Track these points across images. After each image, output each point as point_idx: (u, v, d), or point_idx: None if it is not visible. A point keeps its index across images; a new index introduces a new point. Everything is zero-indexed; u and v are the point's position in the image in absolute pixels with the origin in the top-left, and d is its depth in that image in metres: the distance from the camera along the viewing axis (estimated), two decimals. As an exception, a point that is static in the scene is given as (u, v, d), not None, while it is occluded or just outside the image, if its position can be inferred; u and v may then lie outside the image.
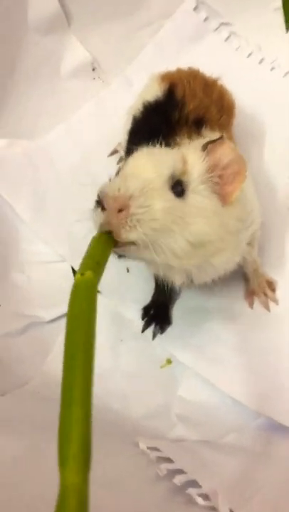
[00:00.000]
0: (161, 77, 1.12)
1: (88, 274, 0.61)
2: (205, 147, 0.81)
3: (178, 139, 0.96)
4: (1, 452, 0.80)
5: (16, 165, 1.34)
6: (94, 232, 1.18)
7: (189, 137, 0.97)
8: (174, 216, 0.74)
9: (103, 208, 0.72)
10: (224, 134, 0.98)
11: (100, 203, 0.72)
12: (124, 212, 0.70)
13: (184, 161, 0.79)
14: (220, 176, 0.80)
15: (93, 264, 0.64)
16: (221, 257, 0.85)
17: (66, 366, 0.51)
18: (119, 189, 0.71)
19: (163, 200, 0.73)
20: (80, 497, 0.42)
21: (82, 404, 0.47)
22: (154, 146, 0.93)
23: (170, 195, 0.75)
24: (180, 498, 0.77)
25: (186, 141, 0.96)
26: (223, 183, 0.80)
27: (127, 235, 0.71)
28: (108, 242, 0.72)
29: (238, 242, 0.89)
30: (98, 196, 0.73)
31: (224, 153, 0.80)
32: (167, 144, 0.95)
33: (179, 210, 0.75)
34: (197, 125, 0.99)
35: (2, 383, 1.07)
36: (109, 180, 0.77)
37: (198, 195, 0.78)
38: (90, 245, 0.70)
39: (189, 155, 0.81)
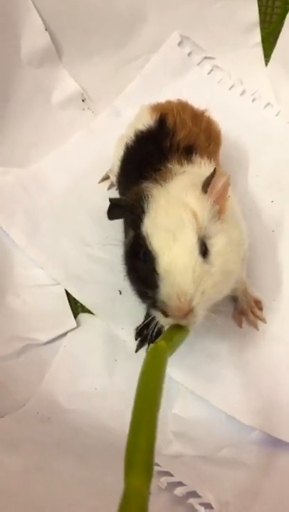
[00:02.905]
0: (152, 107, 1.18)
1: (161, 343, 0.74)
2: (205, 188, 0.85)
3: (169, 166, 1.01)
4: (5, 470, 0.82)
5: (10, 192, 1.39)
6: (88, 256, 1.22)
7: (179, 163, 1.02)
8: (217, 279, 0.81)
9: (168, 315, 0.80)
10: (212, 162, 1.05)
11: (162, 311, 0.80)
12: (190, 314, 0.79)
13: (195, 215, 0.82)
14: (216, 201, 0.86)
15: (168, 338, 0.79)
16: (236, 275, 0.92)
17: (137, 407, 0.61)
18: (178, 298, 0.78)
19: (208, 278, 0.80)
20: (142, 500, 0.47)
21: (147, 437, 0.57)
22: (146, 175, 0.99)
23: (206, 266, 0.81)
24: (182, 508, 0.80)
25: (176, 166, 1.01)
26: (217, 201, 0.86)
27: (199, 321, 0.81)
28: (184, 330, 0.83)
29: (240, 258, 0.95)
30: (159, 305, 0.80)
31: (220, 181, 0.86)
32: (158, 170, 1.01)
33: (217, 270, 0.82)
34: (187, 152, 1.04)
35: (1, 405, 1.08)
36: (124, 232, 0.85)
37: (213, 237, 0.84)
38: (168, 329, 0.83)
39: (193, 204, 0.84)
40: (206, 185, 0.85)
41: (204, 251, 0.81)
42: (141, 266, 0.84)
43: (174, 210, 0.83)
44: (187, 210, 0.82)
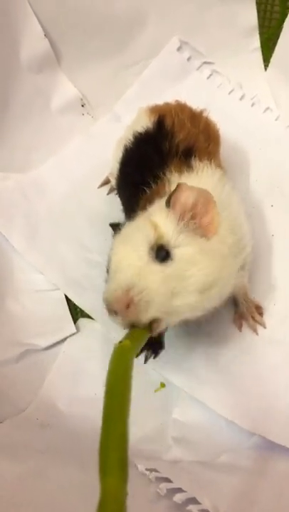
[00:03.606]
0: (150, 109, 1.18)
1: (126, 342, 0.72)
2: (168, 203, 0.85)
3: (167, 174, 1.01)
4: (3, 476, 0.82)
5: (9, 197, 1.39)
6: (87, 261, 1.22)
7: (179, 170, 1.01)
8: (171, 281, 0.79)
9: (115, 312, 0.79)
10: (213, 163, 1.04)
11: (111, 310, 0.80)
12: (132, 306, 0.77)
13: (155, 227, 0.83)
14: (193, 216, 0.84)
15: (132, 337, 0.77)
16: (229, 285, 0.91)
17: (107, 411, 0.60)
18: (115, 290, 0.78)
19: (154, 276, 0.79)
20: (119, 501, 0.46)
21: (119, 438, 0.56)
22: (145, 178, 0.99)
23: (158, 267, 0.80)
24: (181, 515, 0.79)
25: (174, 175, 1.00)
26: (199, 218, 0.85)
27: (145, 318, 0.79)
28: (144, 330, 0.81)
29: (236, 266, 0.94)
30: (106, 306, 0.81)
31: (187, 195, 0.84)
32: (158, 177, 1.01)
33: (172, 273, 0.80)
34: (186, 156, 1.04)
35: (0, 411, 1.08)
36: (105, 282, 0.84)
37: (182, 247, 0.82)
38: (130, 330, 0.80)
39: (157, 217, 0.85)
40: (168, 200, 0.85)
41: (164, 257, 0.81)
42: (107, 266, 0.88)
43: (138, 224, 0.87)
44: (146, 223, 0.84)
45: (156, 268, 0.80)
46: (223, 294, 0.91)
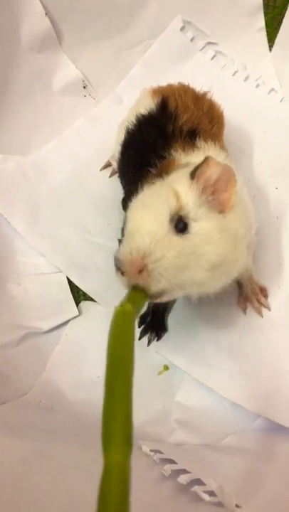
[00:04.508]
0: (153, 90, 1.16)
1: (127, 306, 0.68)
2: (193, 175, 0.84)
3: (172, 152, 0.99)
4: (8, 454, 0.81)
5: (10, 179, 1.37)
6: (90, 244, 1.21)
7: (183, 149, 1.00)
8: (186, 255, 0.78)
9: (124, 273, 0.77)
10: (217, 145, 1.03)
11: (119, 269, 0.78)
12: (144, 272, 0.76)
13: (177, 196, 0.81)
14: (213, 192, 0.83)
15: (132, 299, 0.73)
16: (238, 267, 0.90)
17: (108, 380, 0.57)
18: (131, 253, 0.76)
19: (172, 247, 0.77)
20: (123, 476, 0.45)
21: (123, 412, 0.53)
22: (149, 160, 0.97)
23: (176, 238, 0.78)
24: (185, 496, 0.79)
25: (180, 154, 0.99)
26: (218, 194, 0.83)
27: (155, 288, 0.77)
28: (144, 293, 0.78)
29: (245, 248, 0.92)
30: (115, 264, 0.79)
31: (212, 170, 0.83)
32: (162, 157, 0.99)
33: (188, 247, 0.78)
34: (191, 137, 1.02)
35: (1, 393, 1.07)
36: (119, 241, 0.82)
37: (200, 221, 0.81)
38: (129, 291, 0.77)
39: (179, 187, 0.83)
40: (194, 171, 0.84)
41: (182, 228, 0.79)
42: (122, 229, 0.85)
43: (158, 190, 0.85)
44: (169, 191, 0.82)
45: (175, 239, 0.78)
46: (231, 274, 0.90)
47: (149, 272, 0.75)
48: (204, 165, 0.83)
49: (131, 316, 0.67)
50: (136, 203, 0.84)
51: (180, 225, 0.79)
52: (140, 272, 0.76)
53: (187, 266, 0.78)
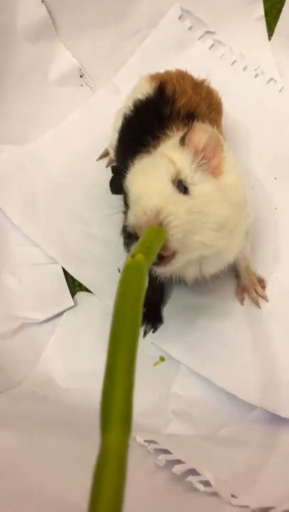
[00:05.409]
0: (151, 76, 1.14)
1: (139, 256, 0.63)
2: (182, 141, 0.85)
3: (168, 132, 0.99)
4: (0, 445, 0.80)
5: (6, 170, 1.35)
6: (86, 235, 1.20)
7: (178, 130, 0.99)
8: (194, 213, 0.79)
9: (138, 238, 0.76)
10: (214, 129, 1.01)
11: (134, 236, 0.78)
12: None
13: (173, 162, 0.82)
14: (204, 157, 0.84)
15: (145, 249, 0.67)
16: (238, 237, 0.91)
17: (113, 341, 0.52)
18: (145, 213, 0.76)
19: (181, 203, 0.78)
20: (119, 459, 0.43)
21: (125, 375, 0.49)
22: (145, 143, 0.97)
23: (182, 197, 0.79)
24: (180, 486, 0.77)
25: (175, 133, 0.98)
26: (208, 160, 0.85)
27: (173, 244, 0.77)
28: (161, 234, 0.75)
29: (243, 219, 0.92)
30: (131, 230, 0.79)
31: (199, 136, 0.84)
32: (157, 137, 0.98)
33: (195, 206, 0.79)
34: (189, 119, 1.01)
35: (-4, 383, 1.06)
36: (124, 213, 0.83)
37: (198, 184, 0.82)
38: (144, 233, 0.74)
39: (172, 154, 0.84)
40: (183, 138, 0.85)
41: (184, 191, 0.80)
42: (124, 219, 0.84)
43: (153, 160, 0.86)
44: (164, 158, 0.83)
45: (182, 198, 0.79)
46: (232, 239, 0.89)
47: (167, 226, 0.75)
48: (192, 131, 0.84)
49: (143, 269, 0.62)
50: (134, 172, 0.85)
51: (181, 187, 0.80)
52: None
53: (196, 226, 0.79)
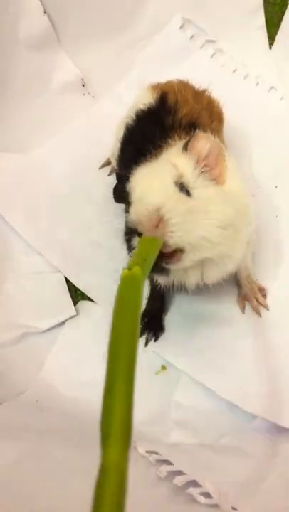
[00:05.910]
0: (152, 87, 1.15)
1: (135, 268, 0.63)
2: (185, 147, 0.87)
3: (170, 141, 0.99)
4: (2, 456, 0.80)
5: (8, 178, 1.36)
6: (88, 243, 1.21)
7: (180, 139, 0.99)
8: (196, 211, 0.81)
9: (140, 235, 0.79)
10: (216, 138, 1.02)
11: (135, 231, 0.81)
12: (161, 225, 0.77)
13: (176, 166, 0.84)
14: (206, 165, 0.86)
15: (141, 261, 0.67)
16: (241, 242, 0.92)
17: (111, 355, 0.52)
18: (146, 209, 0.78)
19: (182, 202, 0.80)
20: (120, 474, 0.43)
21: (124, 390, 0.49)
22: (146, 153, 0.97)
23: (184, 197, 0.81)
24: (181, 498, 0.78)
25: (177, 142, 0.99)
26: (210, 169, 0.86)
27: (173, 240, 0.78)
28: (155, 243, 0.76)
29: (245, 226, 0.93)
30: (132, 225, 0.81)
31: (202, 144, 0.86)
32: (158, 146, 0.99)
33: (196, 205, 0.81)
34: (190, 128, 1.02)
35: (-1, 393, 1.07)
36: (126, 212, 0.85)
37: (200, 188, 0.84)
38: (139, 244, 0.76)
39: (176, 159, 0.86)
40: (186, 144, 0.88)
41: (185, 193, 0.83)
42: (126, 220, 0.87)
43: (156, 165, 0.89)
44: (167, 163, 0.86)
45: (184, 198, 0.81)
46: (238, 241, 0.91)
47: (166, 223, 0.77)
48: (194, 139, 0.86)
49: (140, 282, 0.62)
50: (137, 176, 0.87)
51: (184, 190, 0.82)
52: (157, 226, 0.77)
53: (199, 222, 0.80)
